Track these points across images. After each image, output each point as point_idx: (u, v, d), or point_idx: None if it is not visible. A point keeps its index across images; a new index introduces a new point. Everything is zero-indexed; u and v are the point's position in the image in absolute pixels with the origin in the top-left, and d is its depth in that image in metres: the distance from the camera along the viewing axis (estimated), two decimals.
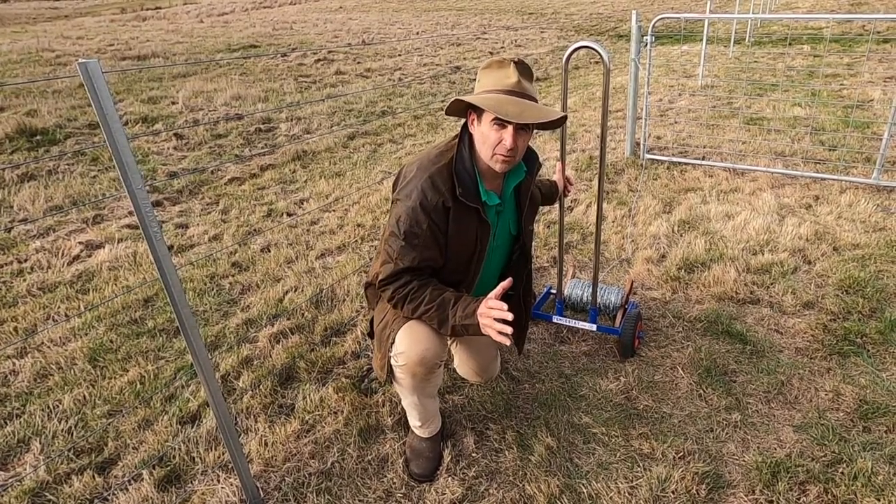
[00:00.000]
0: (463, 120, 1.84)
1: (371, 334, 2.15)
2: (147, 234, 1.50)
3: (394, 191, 1.86)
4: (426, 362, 1.82)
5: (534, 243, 3.63)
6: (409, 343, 1.82)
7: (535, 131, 2.59)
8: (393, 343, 1.86)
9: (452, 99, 1.76)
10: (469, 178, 1.76)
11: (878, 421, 2.19)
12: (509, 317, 1.57)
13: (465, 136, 1.81)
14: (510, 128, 1.66)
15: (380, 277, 1.82)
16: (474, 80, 1.91)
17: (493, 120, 1.67)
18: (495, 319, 1.60)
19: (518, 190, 1.96)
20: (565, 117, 1.78)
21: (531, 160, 1.96)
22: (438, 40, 12.93)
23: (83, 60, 1.32)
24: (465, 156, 1.78)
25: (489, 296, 1.67)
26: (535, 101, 1.73)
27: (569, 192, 2.56)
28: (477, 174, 1.79)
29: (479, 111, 1.73)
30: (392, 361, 1.89)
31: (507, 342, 1.60)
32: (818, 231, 3.60)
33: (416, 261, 1.76)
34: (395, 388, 2.07)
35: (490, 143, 1.70)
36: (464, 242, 1.83)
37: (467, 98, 1.71)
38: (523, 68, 1.72)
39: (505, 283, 1.67)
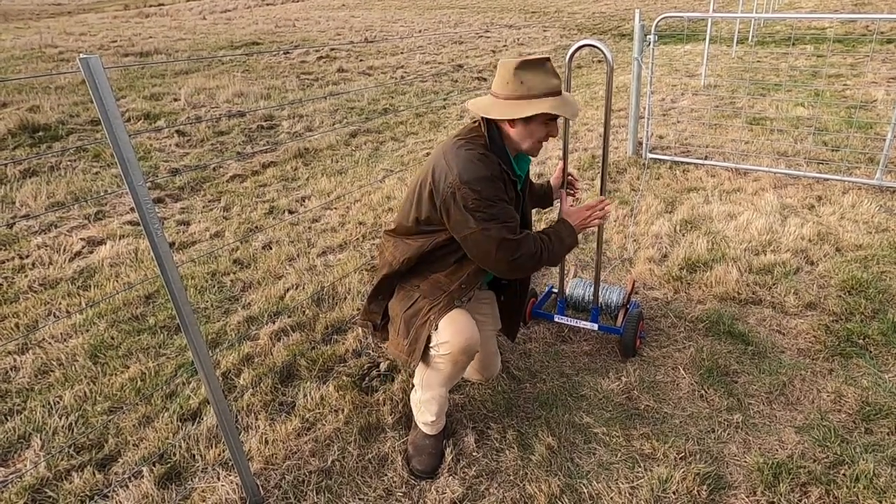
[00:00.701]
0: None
1: (375, 326, 2.14)
2: (148, 231, 1.50)
3: (436, 191, 1.83)
4: (470, 350, 1.90)
5: None
6: (453, 332, 1.88)
7: None
8: (434, 331, 1.91)
9: (537, 112, 1.79)
10: (506, 156, 1.90)
11: (880, 423, 2.18)
12: (607, 201, 2.13)
13: (489, 124, 1.89)
14: (557, 122, 1.90)
15: (508, 242, 1.81)
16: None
17: (547, 118, 1.85)
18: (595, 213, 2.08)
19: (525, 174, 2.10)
20: None
21: None
22: (441, 38, 12.92)
23: (84, 56, 1.32)
24: (496, 138, 1.88)
25: (566, 210, 2.11)
26: (549, 93, 1.85)
27: (574, 191, 2.40)
28: (507, 153, 1.92)
29: None
30: (433, 351, 1.93)
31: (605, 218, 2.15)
32: (821, 232, 3.59)
33: (515, 213, 1.89)
34: (422, 382, 2.05)
35: (538, 136, 1.88)
36: None
37: (552, 111, 1.80)
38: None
39: (567, 196, 2.24)
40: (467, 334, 1.89)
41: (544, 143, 1.96)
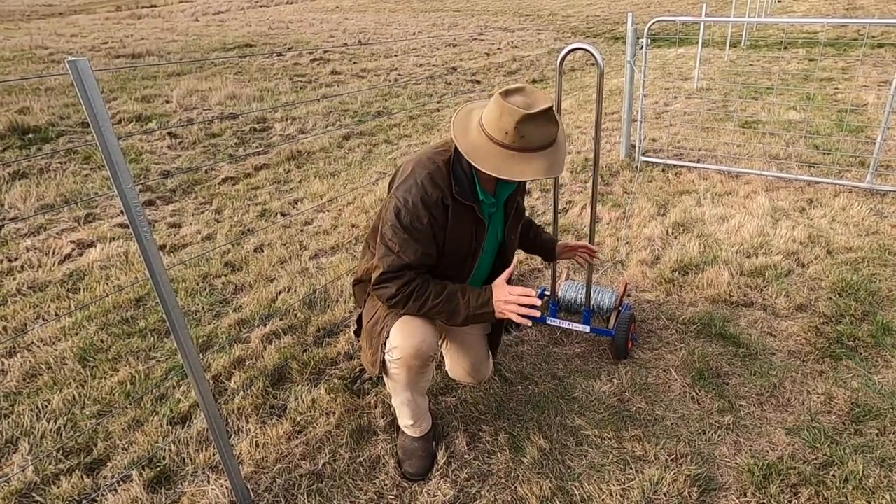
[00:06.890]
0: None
1: (357, 333, 2.14)
2: (137, 233, 1.49)
3: (390, 187, 1.88)
4: (421, 355, 1.85)
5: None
6: (403, 337, 1.84)
7: None
8: (387, 338, 1.88)
9: (530, 178, 1.68)
10: (466, 178, 1.82)
11: (869, 424, 2.19)
12: (538, 302, 1.72)
13: None
14: None
15: (381, 270, 1.81)
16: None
17: None
18: (521, 305, 1.72)
19: (507, 198, 1.99)
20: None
21: None
22: (435, 41, 12.93)
23: (73, 58, 1.31)
24: (462, 157, 1.81)
25: (498, 282, 1.80)
26: (545, 146, 1.67)
27: (593, 257, 2.46)
28: (474, 174, 1.84)
29: None
30: (386, 357, 1.90)
31: (529, 323, 1.73)
32: (812, 234, 3.61)
33: (418, 254, 1.78)
34: (388, 386, 2.07)
35: (483, 177, 1.82)
36: (461, 239, 1.87)
37: (541, 175, 1.66)
38: (532, 120, 1.62)
39: (509, 269, 1.85)
40: (419, 339, 1.83)
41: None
